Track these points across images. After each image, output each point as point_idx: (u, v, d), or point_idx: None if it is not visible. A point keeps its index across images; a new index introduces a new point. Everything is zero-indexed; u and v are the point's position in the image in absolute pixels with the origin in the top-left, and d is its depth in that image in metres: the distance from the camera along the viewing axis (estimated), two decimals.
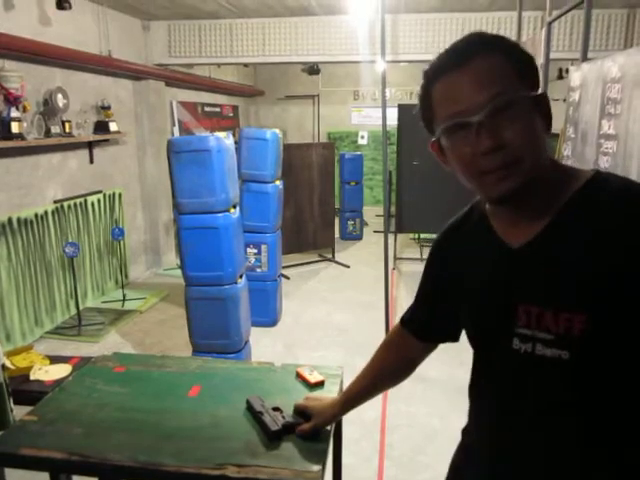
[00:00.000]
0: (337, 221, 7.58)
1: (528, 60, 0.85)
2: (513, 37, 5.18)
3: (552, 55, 3.75)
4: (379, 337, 3.93)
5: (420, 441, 3.01)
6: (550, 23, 3.56)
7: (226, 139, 3.25)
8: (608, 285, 0.77)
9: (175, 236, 3.36)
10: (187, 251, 3.23)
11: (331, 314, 4.92)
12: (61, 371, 2.35)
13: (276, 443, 1.46)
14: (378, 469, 2.77)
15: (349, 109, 10.16)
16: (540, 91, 0.85)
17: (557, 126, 5.23)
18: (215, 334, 3.31)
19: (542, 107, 0.84)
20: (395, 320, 4.73)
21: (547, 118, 0.86)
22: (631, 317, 0.77)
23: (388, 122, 3.96)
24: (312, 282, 5.99)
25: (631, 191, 0.81)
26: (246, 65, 8.47)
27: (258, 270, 4.51)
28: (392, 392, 3.52)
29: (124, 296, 5.19)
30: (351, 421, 2.67)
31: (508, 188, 0.83)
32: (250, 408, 1.60)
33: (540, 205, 0.87)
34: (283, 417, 1.52)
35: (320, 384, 1.77)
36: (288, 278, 5.87)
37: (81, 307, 4.72)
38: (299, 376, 1.81)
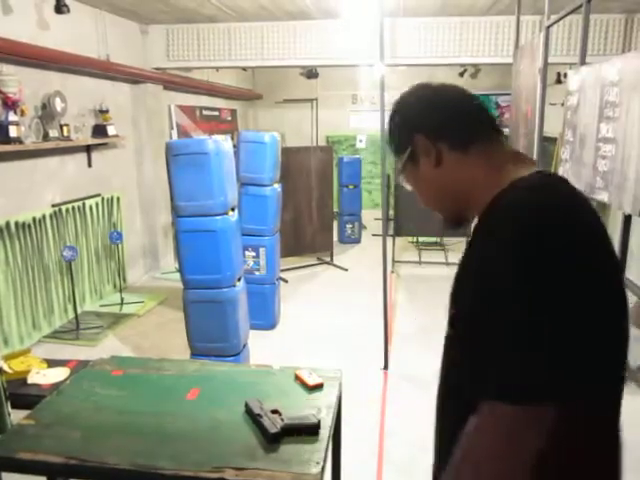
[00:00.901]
0: (335, 224, 7.58)
1: (394, 132, 1.09)
2: (511, 41, 5.20)
3: (550, 59, 3.75)
4: (378, 340, 3.94)
5: (420, 446, 2.99)
6: (548, 27, 3.57)
7: (224, 142, 3.26)
8: (457, 291, 0.92)
9: (173, 239, 3.36)
10: (185, 254, 3.22)
11: (330, 317, 4.92)
12: (59, 375, 2.34)
13: (275, 446, 1.45)
14: (377, 473, 2.76)
15: (347, 113, 10.18)
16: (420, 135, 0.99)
17: (555, 130, 5.21)
18: (213, 337, 3.30)
19: (422, 146, 1.00)
20: (394, 324, 4.73)
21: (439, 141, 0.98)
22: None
23: (386, 125, 3.97)
24: (310, 285, 5.98)
25: (497, 209, 0.85)
26: (244, 69, 8.48)
27: (256, 273, 4.50)
28: (390, 396, 3.51)
29: (122, 300, 5.17)
30: (350, 425, 2.66)
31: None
32: (249, 411, 1.60)
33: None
34: (282, 419, 1.52)
35: (319, 387, 1.76)
36: (286, 281, 5.87)
37: (79, 311, 4.70)
38: (298, 379, 1.81)
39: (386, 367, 3.85)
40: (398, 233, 6.52)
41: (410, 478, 2.73)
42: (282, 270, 5.47)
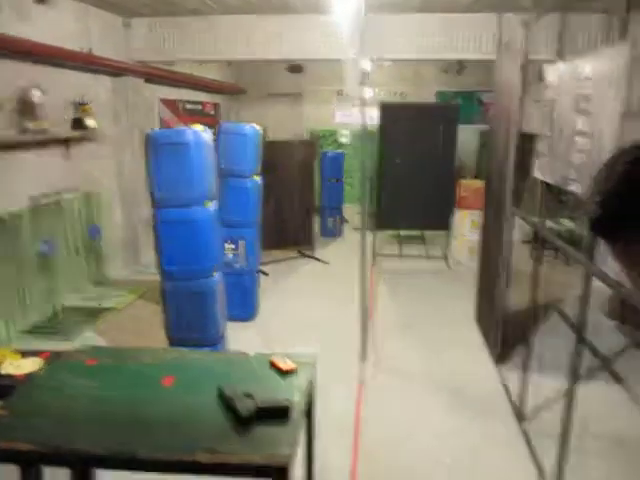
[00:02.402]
0: (317, 218, 7.59)
1: None
2: (495, 37, 5.24)
3: (532, 56, 3.79)
4: (356, 332, 3.97)
5: (395, 433, 3.03)
6: (530, 24, 3.61)
7: (204, 133, 3.24)
8: None
9: (152, 230, 3.32)
10: (164, 245, 3.21)
11: (309, 309, 4.93)
12: (32, 365, 2.31)
13: (247, 429, 1.46)
14: (352, 457, 2.77)
15: (332, 108, 10.18)
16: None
17: (536, 125, 5.22)
18: (191, 328, 3.28)
19: None
20: (374, 316, 4.76)
21: None
22: None
23: (371, 121, 3.99)
24: (291, 278, 5.98)
25: None
26: (228, 63, 8.45)
27: (236, 265, 4.48)
28: (368, 386, 3.54)
29: (101, 294, 5.13)
30: (326, 413, 2.68)
31: None
32: (222, 395, 1.60)
33: None
34: (255, 403, 1.52)
35: (292, 371, 1.77)
36: (267, 274, 5.86)
37: (57, 306, 4.65)
38: (272, 365, 1.82)
39: (365, 358, 3.88)
40: (380, 226, 6.54)
41: (384, 463, 2.76)
42: (263, 263, 5.47)
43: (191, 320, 3.26)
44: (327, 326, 4.53)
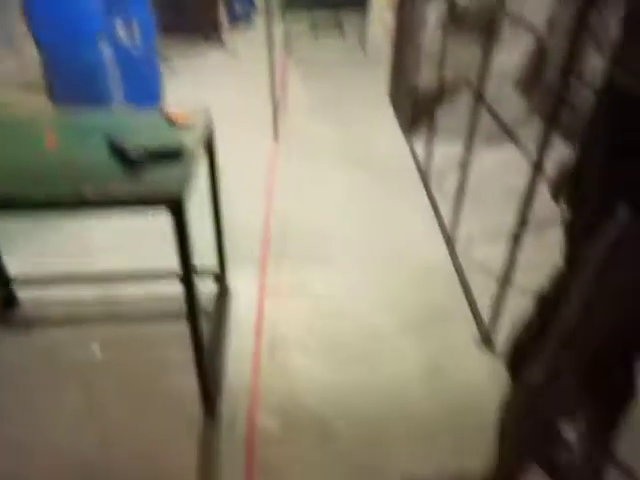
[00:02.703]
0: (223, 4, 6.84)
1: None
2: None
3: None
4: (266, 114, 3.87)
5: (307, 200, 3.14)
6: None
7: None
8: None
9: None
10: (34, 10, 2.75)
11: (219, 99, 4.63)
12: None
13: (138, 169, 1.39)
14: (264, 225, 2.88)
15: None
16: None
17: None
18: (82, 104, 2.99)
19: None
20: (287, 99, 4.61)
21: None
22: None
23: None
24: (198, 67, 5.53)
25: None
26: None
27: (131, 47, 3.99)
28: (280, 163, 3.58)
29: None
30: (238, 179, 2.68)
31: None
32: (111, 144, 1.50)
33: None
34: (146, 147, 1.44)
35: (188, 122, 1.68)
36: (170, 62, 5.35)
37: None
38: (166, 116, 1.71)
39: (276, 139, 3.86)
40: (289, 5, 6.00)
41: (292, 222, 2.90)
42: (165, 51, 4.97)
43: (81, 96, 2.95)
44: (238, 112, 4.35)
